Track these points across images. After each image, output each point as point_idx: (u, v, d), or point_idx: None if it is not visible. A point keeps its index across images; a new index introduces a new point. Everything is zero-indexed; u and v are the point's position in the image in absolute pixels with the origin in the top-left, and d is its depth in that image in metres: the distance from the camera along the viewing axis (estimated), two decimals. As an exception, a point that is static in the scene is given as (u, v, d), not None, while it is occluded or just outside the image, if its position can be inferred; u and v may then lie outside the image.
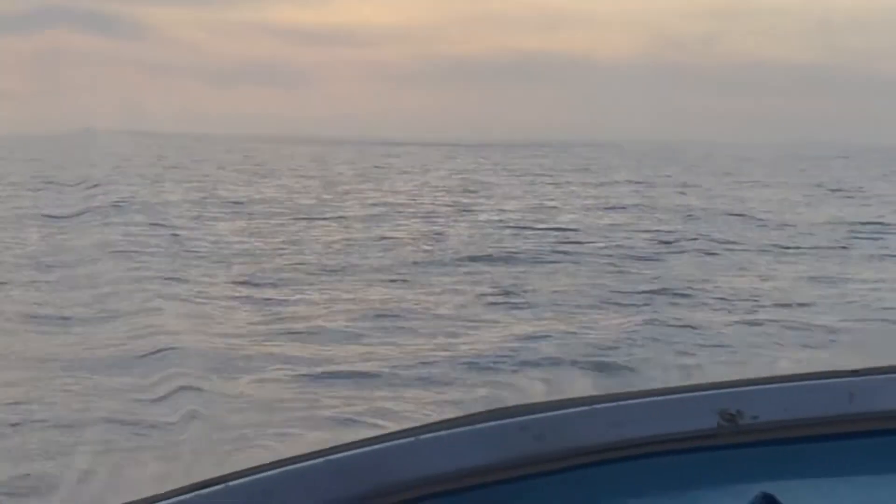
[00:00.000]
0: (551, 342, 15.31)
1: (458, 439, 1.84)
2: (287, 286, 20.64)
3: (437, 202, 42.06)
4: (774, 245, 27.63)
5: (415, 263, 23.73)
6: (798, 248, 27.27)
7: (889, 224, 33.02)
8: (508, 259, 24.41)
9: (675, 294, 19.58)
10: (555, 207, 39.84)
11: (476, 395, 12.17)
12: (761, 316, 17.60)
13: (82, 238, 27.73)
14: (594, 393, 1.94)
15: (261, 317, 17.50)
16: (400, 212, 37.56)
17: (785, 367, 12.58)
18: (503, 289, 20.10)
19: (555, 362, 14.04)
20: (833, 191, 50.02)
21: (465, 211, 37.93)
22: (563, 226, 32.51)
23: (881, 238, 29.41)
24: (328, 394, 12.80)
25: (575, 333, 15.96)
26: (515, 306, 18.41)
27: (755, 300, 19.09)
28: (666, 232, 31.07)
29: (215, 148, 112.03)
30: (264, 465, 1.78)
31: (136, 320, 16.80)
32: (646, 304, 18.66)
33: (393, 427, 1.99)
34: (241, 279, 21.37)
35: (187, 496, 1.72)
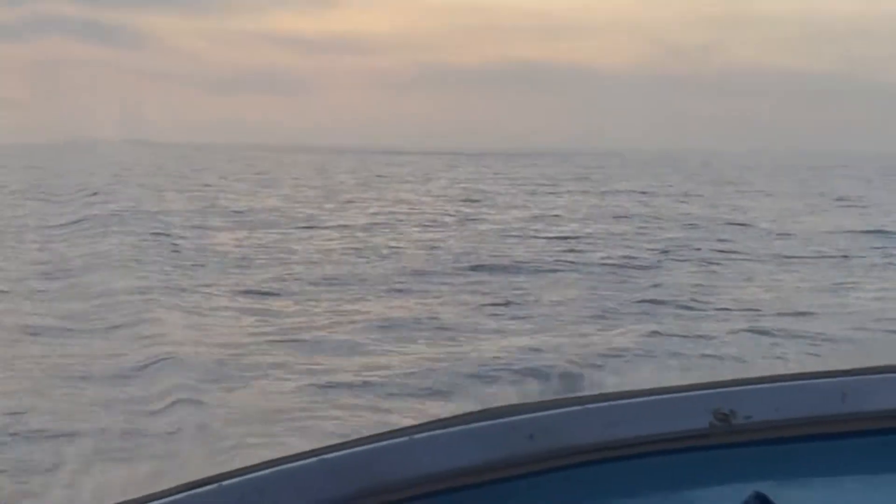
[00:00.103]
0: (550, 352, 15.30)
1: (451, 439, 1.84)
2: (289, 296, 20.63)
3: (438, 211, 42.07)
4: (776, 255, 27.61)
5: (416, 273, 23.72)
6: (800, 257, 27.27)
7: (891, 232, 32.99)
8: (510, 269, 24.40)
9: (677, 305, 19.56)
10: (557, 216, 39.86)
11: (475, 404, 12.14)
12: (763, 325, 17.59)
13: (81, 248, 27.73)
14: (587, 393, 1.94)
15: (262, 327, 17.49)
16: (402, 221, 37.58)
17: (778, 367, 12.56)
18: (504, 298, 20.10)
19: (551, 370, 14.03)
20: (835, 200, 49.99)
21: (466, 220, 37.94)
22: (564, 235, 32.52)
23: (884, 247, 29.39)
24: (330, 404, 12.78)
25: (574, 343, 15.96)
26: (516, 316, 18.41)
27: (757, 310, 19.07)
28: (667, 239, 31.10)
29: (216, 157, 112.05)
30: (257, 464, 1.78)
31: (135, 330, 16.80)
32: (645, 314, 18.65)
33: (386, 427, 1.99)
34: (242, 289, 21.37)
35: (181, 495, 1.72)
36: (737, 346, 15.97)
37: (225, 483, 1.74)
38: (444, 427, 1.85)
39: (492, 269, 24.30)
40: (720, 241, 30.82)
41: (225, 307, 19.34)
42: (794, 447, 1.91)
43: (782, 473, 1.90)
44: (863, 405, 1.93)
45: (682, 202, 48.10)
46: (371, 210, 42.66)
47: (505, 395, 12.74)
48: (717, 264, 25.68)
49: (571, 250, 28.34)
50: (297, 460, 1.80)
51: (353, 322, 17.81)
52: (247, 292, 20.93)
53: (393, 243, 29.98)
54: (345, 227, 35.16)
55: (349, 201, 48.13)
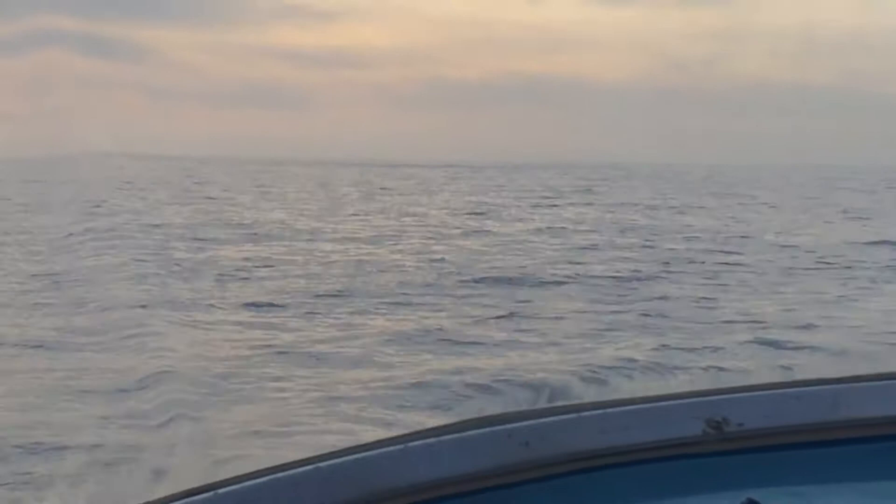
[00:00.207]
0: (552, 364, 15.29)
1: (446, 447, 1.85)
2: (292, 309, 20.62)
3: (441, 224, 42.07)
4: (779, 267, 27.59)
5: (421, 285, 23.72)
6: (805, 269, 27.25)
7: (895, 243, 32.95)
8: (514, 281, 24.39)
9: (679, 318, 19.54)
10: (562, 228, 39.88)
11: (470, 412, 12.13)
12: (767, 336, 17.56)
13: (83, 260, 27.72)
14: (581, 401, 1.95)
15: (265, 340, 17.48)
16: (405, 232, 37.58)
17: (770, 375, 12.54)
18: (509, 311, 20.10)
19: (552, 378, 14.02)
20: (841, 212, 49.94)
21: (471, 233, 37.92)
22: (569, 246, 32.51)
23: (888, 258, 29.36)
24: (334, 417, 12.77)
25: (576, 356, 15.95)
26: (520, 329, 18.41)
27: (760, 322, 19.04)
28: (669, 250, 31.09)
29: (219, 170, 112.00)
30: (253, 472, 1.79)
31: (136, 341, 16.80)
32: (647, 327, 18.64)
33: (382, 435, 2.00)
34: (246, 301, 21.36)
35: (177, 503, 1.73)
36: (738, 357, 15.95)
37: (221, 491, 1.75)
38: (439, 435, 1.86)
39: (496, 281, 24.30)
40: (723, 252, 30.82)
41: (227, 320, 19.33)
42: (785, 454, 1.92)
43: (774, 480, 1.91)
44: (854, 413, 1.94)
45: (686, 214, 48.11)
46: (375, 222, 42.67)
47: (499, 402, 12.73)
48: (720, 276, 25.67)
49: (575, 262, 28.34)
50: (293, 468, 1.80)
51: (357, 336, 17.80)
52: (250, 305, 20.92)
53: (397, 256, 29.97)
54: (348, 239, 35.16)
55: (353, 214, 48.15)
